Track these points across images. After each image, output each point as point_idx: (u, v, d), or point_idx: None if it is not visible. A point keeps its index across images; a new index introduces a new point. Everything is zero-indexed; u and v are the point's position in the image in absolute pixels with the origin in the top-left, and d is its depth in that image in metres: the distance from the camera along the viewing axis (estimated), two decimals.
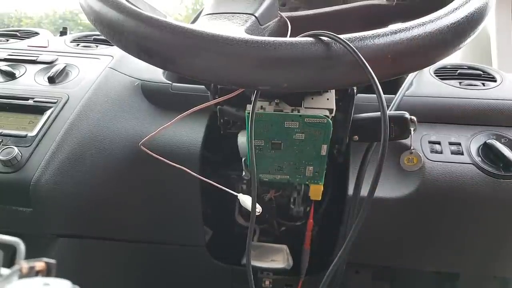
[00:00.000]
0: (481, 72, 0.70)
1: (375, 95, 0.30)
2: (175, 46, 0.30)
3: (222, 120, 0.48)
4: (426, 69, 0.70)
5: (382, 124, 0.30)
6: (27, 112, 0.63)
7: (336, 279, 0.55)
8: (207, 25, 0.38)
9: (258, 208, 0.41)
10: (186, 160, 0.57)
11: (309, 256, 0.63)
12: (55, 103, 0.64)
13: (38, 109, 0.63)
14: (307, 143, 0.43)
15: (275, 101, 0.42)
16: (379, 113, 0.31)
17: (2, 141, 0.59)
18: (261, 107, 0.41)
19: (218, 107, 0.46)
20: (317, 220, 0.66)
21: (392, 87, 0.61)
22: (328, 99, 0.42)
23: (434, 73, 0.70)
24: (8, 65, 0.72)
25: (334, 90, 0.43)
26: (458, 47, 0.32)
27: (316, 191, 0.49)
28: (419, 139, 0.59)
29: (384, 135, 0.30)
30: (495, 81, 0.67)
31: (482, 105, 0.61)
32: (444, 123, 0.61)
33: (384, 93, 0.30)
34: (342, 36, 0.29)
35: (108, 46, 0.81)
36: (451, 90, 0.65)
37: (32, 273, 0.19)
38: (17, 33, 0.89)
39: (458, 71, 0.70)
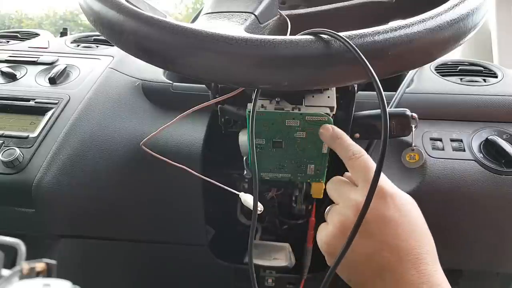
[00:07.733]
0: (482, 68, 0.70)
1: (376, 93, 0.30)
2: (174, 45, 0.30)
3: (223, 119, 0.48)
4: (426, 66, 0.70)
5: (382, 121, 0.30)
6: (29, 113, 0.63)
7: (339, 277, 0.55)
8: (207, 24, 0.38)
9: (260, 207, 0.41)
10: (187, 160, 0.57)
11: (311, 254, 0.63)
12: (56, 103, 0.64)
13: (39, 110, 0.64)
14: (308, 141, 0.43)
15: (276, 99, 0.42)
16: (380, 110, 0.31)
17: (3, 143, 0.59)
18: (262, 106, 0.41)
19: (219, 106, 0.46)
20: (319, 218, 0.66)
21: (392, 84, 0.61)
22: (329, 97, 0.42)
23: (435, 69, 0.70)
24: (9, 67, 0.73)
25: (335, 88, 0.43)
26: (459, 43, 0.32)
27: (318, 189, 0.49)
28: (421, 136, 0.59)
29: (384, 132, 0.30)
30: (496, 77, 0.67)
31: (483, 101, 0.61)
32: (445, 120, 0.61)
33: (384, 90, 0.30)
34: (342, 34, 0.29)
35: (108, 46, 0.81)
36: (452, 87, 0.65)
37: (33, 273, 0.19)
38: (18, 34, 0.89)
39: (459, 68, 0.70)
